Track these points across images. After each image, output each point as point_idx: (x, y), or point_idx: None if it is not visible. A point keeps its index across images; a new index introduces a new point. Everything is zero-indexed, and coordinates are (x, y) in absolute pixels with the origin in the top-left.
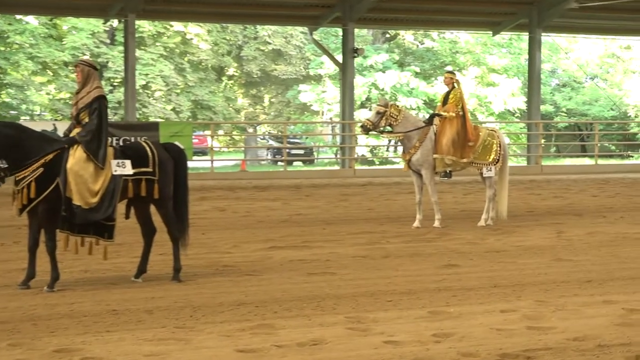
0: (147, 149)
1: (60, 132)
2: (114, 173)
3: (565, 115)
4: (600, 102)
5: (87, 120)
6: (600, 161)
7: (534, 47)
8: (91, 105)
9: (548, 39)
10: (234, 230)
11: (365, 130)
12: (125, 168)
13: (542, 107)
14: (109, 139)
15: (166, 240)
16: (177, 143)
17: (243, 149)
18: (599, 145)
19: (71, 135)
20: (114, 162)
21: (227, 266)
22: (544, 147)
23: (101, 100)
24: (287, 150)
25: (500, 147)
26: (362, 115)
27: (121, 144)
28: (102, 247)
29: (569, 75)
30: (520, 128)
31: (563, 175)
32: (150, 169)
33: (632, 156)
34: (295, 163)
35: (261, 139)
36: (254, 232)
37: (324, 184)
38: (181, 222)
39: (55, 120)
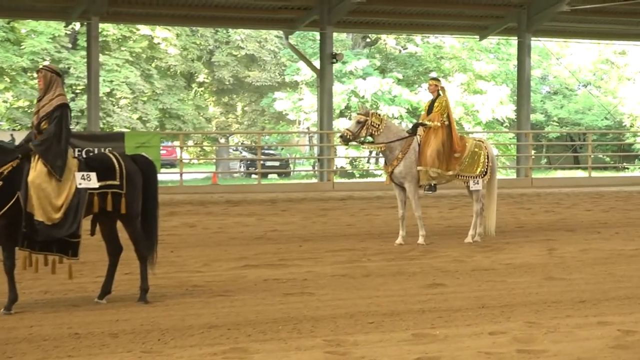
0: (114, 160)
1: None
2: (79, 186)
3: (557, 124)
4: (593, 110)
5: None
6: (594, 173)
7: (523, 52)
8: (52, 113)
9: (538, 44)
10: (204, 248)
11: (345, 140)
12: (90, 181)
13: (532, 116)
14: (71, 149)
15: (132, 259)
16: (144, 154)
17: (214, 160)
18: (592, 156)
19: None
20: (78, 175)
21: (197, 286)
22: (534, 158)
23: (64, 108)
24: (262, 162)
25: (488, 158)
26: (342, 124)
27: (84, 155)
28: (66, 265)
29: (560, 82)
30: (509, 138)
31: (555, 188)
32: (117, 182)
33: (627, 168)
34: (270, 176)
35: (234, 150)
36: (226, 250)
37: (301, 198)
38: (150, 239)
39: (14, 130)
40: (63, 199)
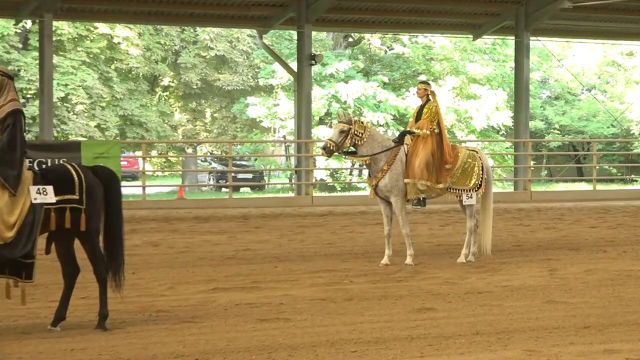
0: (73, 172)
1: None
2: (34, 201)
3: (559, 133)
4: (598, 117)
5: None
6: (599, 186)
7: (521, 53)
8: (5, 120)
9: (538, 44)
10: (169, 269)
11: (328, 152)
12: (46, 195)
13: (532, 124)
14: (26, 161)
15: (89, 281)
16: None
17: (181, 172)
18: (597, 167)
19: None
20: (33, 189)
21: (161, 311)
22: (533, 170)
23: (17, 114)
24: (233, 175)
25: (482, 170)
26: (321, 133)
27: (36, 167)
28: (19, 289)
29: (562, 87)
30: (506, 148)
31: (556, 202)
32: (76, 196)
33: (635, 180)
34: (242, 189)
35: (202, 161)
36: (193, 271)
37: (277, 214)
38: (115, 260)
39: None
40: (16, 216)
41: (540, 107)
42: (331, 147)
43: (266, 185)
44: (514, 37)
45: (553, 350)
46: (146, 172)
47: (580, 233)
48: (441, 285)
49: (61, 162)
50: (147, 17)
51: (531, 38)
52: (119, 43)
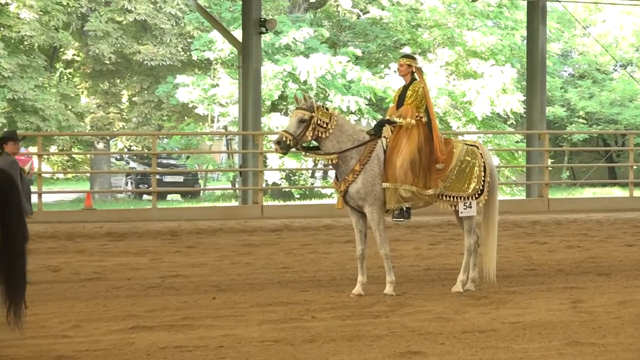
0: None
1: None
2: None
3: (584, 122)
4: (636, 102)
5: None
6: (637, 192)
7: (535, 17)
8: None
9: (557, 6)
10: (74, 302)
11: (284, 148)
12: None
13: (549, 110)
14: None
15: None
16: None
17: (89, 175)
18: (635, 168)
19: None
20: None
21: (63, 357)
22: (551, 170)
23: None
24: (158, 177)
25: (484, 171)
26: (274, 122)
27: None
28: None
29: (589, 62)
30: (517, 142)
31: (581, 213)
32: None
33: None
34: (170, 197)
35: (117, 159)
36: (106, 305)
37: (216, 229)
38: (13, 287)
39: None
40: None
41: (561, 88)
42: (287, 141)
43: (201, 192)
44: None
45: None
46: (43, 175)
47: (613, 253)
48: (431, 322)
49: None
50: None
51: None
52: (6, 4)
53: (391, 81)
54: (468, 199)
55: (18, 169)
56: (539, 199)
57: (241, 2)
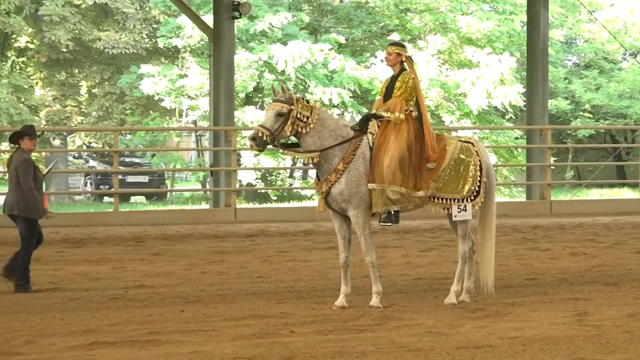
0: None
1: None
2: None
3: (590, 116)
4: None
5: None
6: None
7: (536, 1)
8: None
9: None
10: (28, 315)
11: (260, 144)
12: None
13: (552, 103)
14: None
15: None
16: None
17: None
18: None
19: None
20: None
21: None
22: (554, 170)
23: None
24: (121, 177)
25: (480, 170)
26: (248, 116)
27: None
28: None
29: (595, 50)
30: (516, 138)
31: (587, 217)
32: None
33: None
34: (133, 199)
35: (75, 157)
36: (62, 318)
37: (185, 235)
38: None
39: None
40: None
41: (565, 79)
42: (264, 137)
43: (168, 193)
44: None
45: None
46: None
47: (622, 261)
48: (422, 337)
49: None
50: None
51: None
52: None
53: (378, 71)
54: (462, 202)
55: (30, 167)
56: (540, 201)
57: None
